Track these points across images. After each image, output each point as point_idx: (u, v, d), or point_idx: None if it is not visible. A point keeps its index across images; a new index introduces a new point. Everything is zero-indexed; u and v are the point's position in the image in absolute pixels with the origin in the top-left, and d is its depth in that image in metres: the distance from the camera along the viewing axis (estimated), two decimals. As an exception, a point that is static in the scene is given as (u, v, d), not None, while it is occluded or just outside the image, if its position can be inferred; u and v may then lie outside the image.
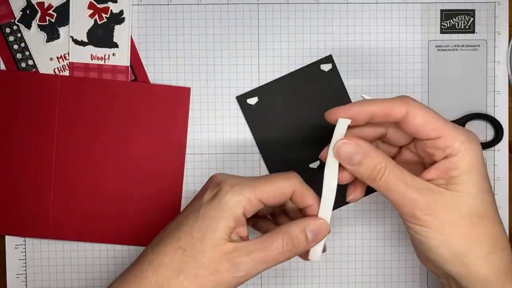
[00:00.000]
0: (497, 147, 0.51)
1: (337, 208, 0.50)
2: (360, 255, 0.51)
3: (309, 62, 0.50)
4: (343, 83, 0.50)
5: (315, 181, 0.50)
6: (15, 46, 0.50)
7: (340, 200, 0.50)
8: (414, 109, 0.37)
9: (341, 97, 0.50)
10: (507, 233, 0.51)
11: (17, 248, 0.51)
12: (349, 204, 0.51)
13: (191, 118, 0.50)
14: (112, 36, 0.50)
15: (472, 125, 0.50)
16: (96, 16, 0.49)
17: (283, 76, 0.50)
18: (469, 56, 0.50)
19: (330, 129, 0.51)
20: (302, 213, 0.42)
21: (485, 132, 0.51)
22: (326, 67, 0.50)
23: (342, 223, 0.51)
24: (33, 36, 0.49)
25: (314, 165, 0.50)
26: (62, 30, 0.49)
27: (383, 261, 0.51)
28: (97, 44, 0.50)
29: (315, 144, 0.48)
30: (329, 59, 0.50)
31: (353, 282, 0.51)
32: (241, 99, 0.50)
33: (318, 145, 0.47)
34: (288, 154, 0.50)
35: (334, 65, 0.50)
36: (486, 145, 0.50)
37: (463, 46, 0.50)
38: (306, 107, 0.50)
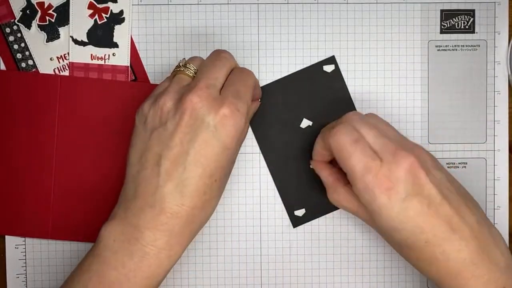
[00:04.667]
0: (497, 147, 0.51)
1: (337, 209, 0.50)
2: (360, 255, 0.51)
3: (309, 62, 0.50)
4: (345, 84, 0.50)
5: (315, 181, 0.50)
6: (15, 46, 0.49)
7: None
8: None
9: (343, 98, 0.50)
10: (507, 233, 0.51)
11: (17, 248, 0.51)
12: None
13: (191, 118, 0.50)
14: (112, 36, 0.50)
15: (472, 124, 0.50)
16: (96, 16, 0.49)
17: (285, 76, 0.50)
18: (469, 56, 0.50)
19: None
20: None
21: (485, 132, 0.51)
22: (328, 68, 0.50)
23: (342, 223, 0.51)
24: (33, 36, 0.49)
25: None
26: (62, 30, 0.49)
27: (383, 261, 0.51)
28: (97, 44, 0.50)
29: (315, 144, 0.48)
30: (332, 60, 0.50)
31: (353, 282, 0.51)
32: (241, 99, 0.50)
33: (318, 145, 0.48)
34: (289, 155, 0.50)
35: (336, 66, 0.50)
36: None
37: (463, 46, 0.50)
38: (308, 108, 0.50)
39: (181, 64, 0.44)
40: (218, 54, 0.44)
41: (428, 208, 0.40)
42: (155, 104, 0.42)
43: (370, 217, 0.43)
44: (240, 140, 0.43)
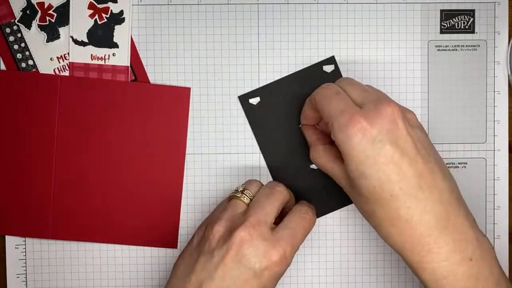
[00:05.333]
0: (497, 147, 0.51)
1: (337, 210, 0.51)
2: (360, 255, 0.51)
3: (310, 62, 0.50)
4: (344, 84, 0.50)
5: (315, 181, 0.50)
6: (15, 46, 0.49)
7: (340, 202, 0.51)
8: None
9: (341, 97, 0.50)
10: (507, 233, 0.51)
11: (17, 248, 0.51)
12: (348, 206, 0.51)
13: (191, 118, 0.50)
14: (112, 36, 0.50)
15: (472, 124, 0.50)
16: (96, 16, 0.49)
17: (286, 77, 0.50)
18: (469, 56, 0.50)
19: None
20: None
21: (485, 132, 0.51)
22: (328, 68, 0.50)
23: (342, 223, 0.51)
24: (33, 36, 0.49)
25: (315, 166, 0.50)
26: (62, 30, 0.49)
27: (383, 261, 0.51)
28: (97, 44, 0.50)
29: (315, 144, 0.48)
30: (331, 60, 0.50)
31: (353, 282, 0.51)
32: (243, 99, 0.50)
33: (318, 145, 0.48)
34: (289, 155, 0.50)
35: (336, 66, 0.50)
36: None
37: (463, 46, 0.50)
38: (306, 107, 0.50)
39: (238, 190, 0.46)
40: (272, 187, 0.46)
41: (400, 158, 0.39)
42: (209, 229, 0.43)
43: (342, 172, 0.43)
44: (279, 278, 0.44)
